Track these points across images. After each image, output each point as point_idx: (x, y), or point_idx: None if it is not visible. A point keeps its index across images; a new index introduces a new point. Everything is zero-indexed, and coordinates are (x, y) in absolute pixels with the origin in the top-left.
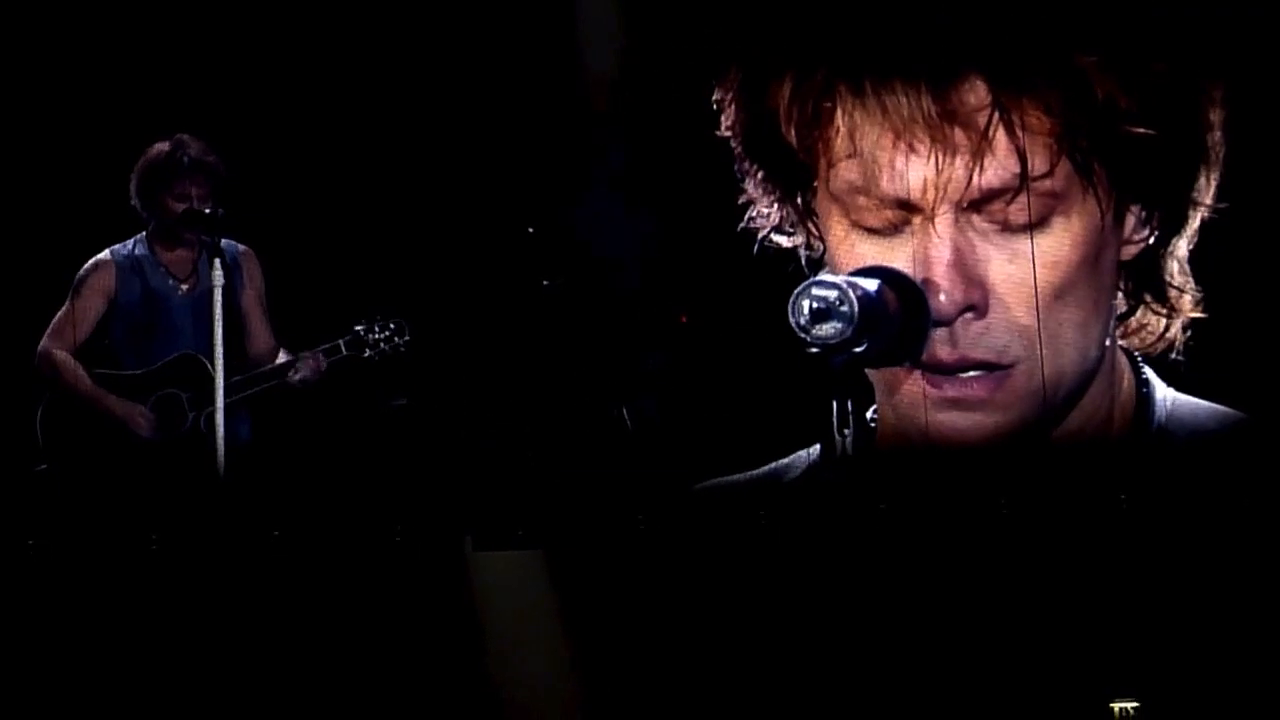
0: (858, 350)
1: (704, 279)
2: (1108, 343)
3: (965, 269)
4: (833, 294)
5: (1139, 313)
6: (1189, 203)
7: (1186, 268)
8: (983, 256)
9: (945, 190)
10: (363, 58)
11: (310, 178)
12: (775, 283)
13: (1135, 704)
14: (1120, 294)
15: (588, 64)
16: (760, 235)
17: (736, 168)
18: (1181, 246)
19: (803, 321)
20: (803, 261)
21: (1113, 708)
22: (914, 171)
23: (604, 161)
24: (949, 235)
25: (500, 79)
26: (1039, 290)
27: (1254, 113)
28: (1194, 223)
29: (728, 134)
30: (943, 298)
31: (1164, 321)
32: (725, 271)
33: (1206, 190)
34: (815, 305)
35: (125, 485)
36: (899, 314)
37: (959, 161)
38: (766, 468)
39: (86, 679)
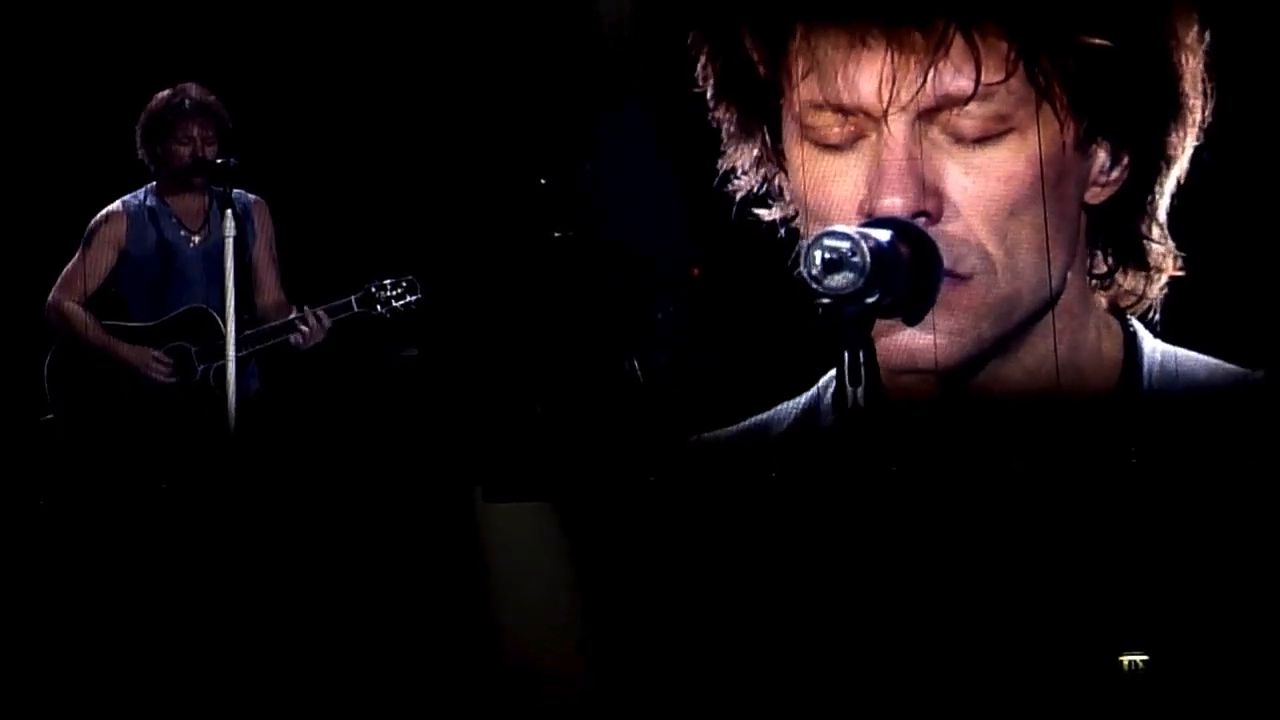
0: (870, 301)
1: (716, 231)
2: (1071, 276)
3: (919, 176)
4: (845, 245)
5: (1118, 274)
6: (1161, 154)
7: (1166, 230)
8: (938, 166)
9: (899, 92)
10: (374, 9)
11: (320, 129)
12: (788, 235)
13: (1144, 657)
14: (1099, 255)
15: (601, 13)
16: (738, 199)
17: (710, 116)
18: (1160, 208)
19: (814, 272)
20: (781, 233)
21: (1121, 661)
22: (868, 75)
23: (616, 112)
24: (904, 141)
25: (512, 29)
26: (993, 203)
27: (1234, 71)
28: (1169, 179)
29: (701, 76)
30: (898, 200)
31: (1142, 283)
32: (738, 224)
33: (1179, 145)
34: (827, 256)
35: (132, 437)
36: (911, 265)
37: (913, 61)
38: (750, 421)
39: (95, 630)
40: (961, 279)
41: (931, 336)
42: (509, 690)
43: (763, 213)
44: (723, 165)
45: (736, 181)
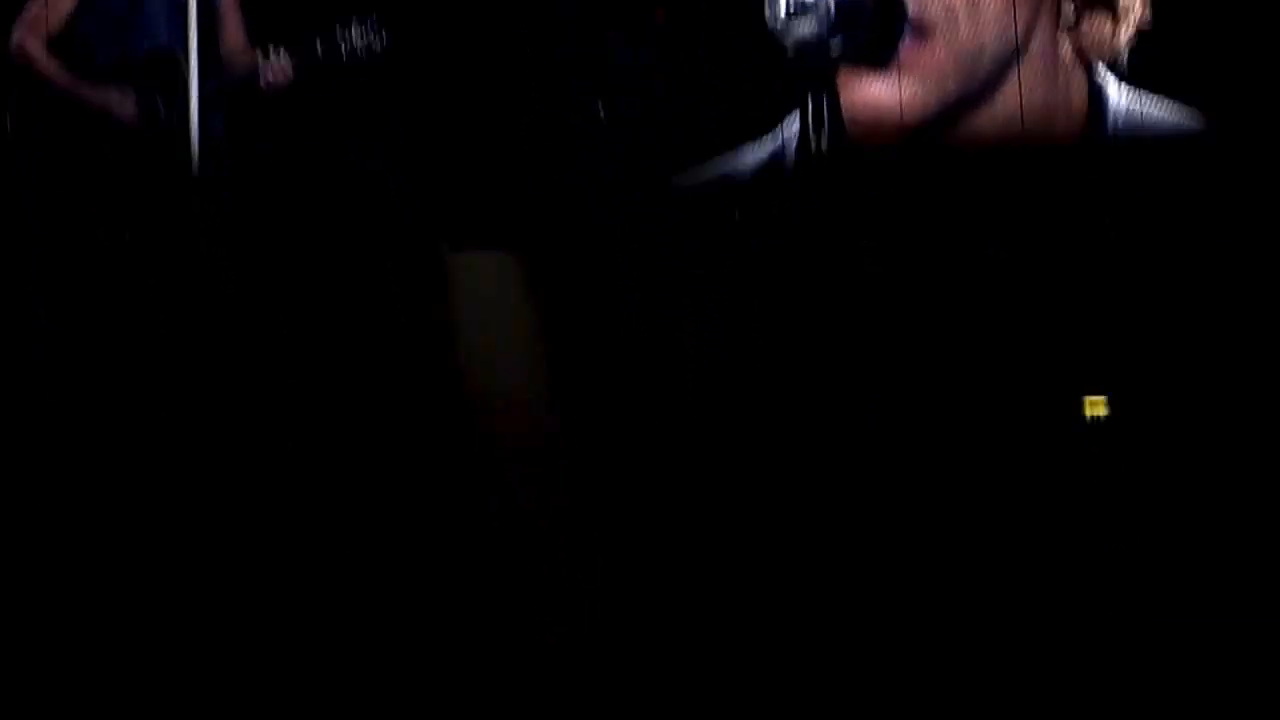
0: (833, 49)
1: None
2: (1039, 26)
3: None
4: None
5: (1084, 19)
6: None
7: None
8: None
9: None
10: None
11: None
12: None
13: (1105, 398)
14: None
15: None
16: None
17: None
18: None
19: (779, 23)
20: None
21: (1084, 401)
22: None
23: None
24: None
25: None
26: None
27: None
28: None
29: None
30: None
31: (1109, 26)
32: None
33: None
34: (791, 4)
35: (98, 179)
36: (874, 13)
37: None
38: (714, 167)
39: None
40: (924, 30)
41: (896, 91)
42: (474, 445)
43: None
44: None
45: None
